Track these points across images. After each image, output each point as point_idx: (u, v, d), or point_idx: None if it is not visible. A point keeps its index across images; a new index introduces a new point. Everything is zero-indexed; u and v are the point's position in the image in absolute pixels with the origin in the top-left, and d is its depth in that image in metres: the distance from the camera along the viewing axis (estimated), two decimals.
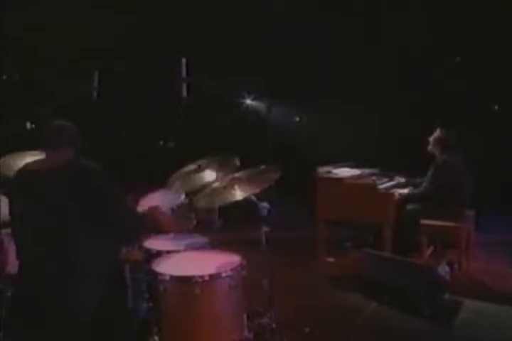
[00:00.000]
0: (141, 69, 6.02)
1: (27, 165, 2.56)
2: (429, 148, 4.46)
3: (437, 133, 4.45)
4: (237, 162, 3.48)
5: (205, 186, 3.32)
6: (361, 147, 5.93)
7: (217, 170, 3.50)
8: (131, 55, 6.16)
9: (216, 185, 3.06)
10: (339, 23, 6.26)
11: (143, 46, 6.19)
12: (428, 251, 4.37)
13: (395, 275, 3.74)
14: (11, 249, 3.09)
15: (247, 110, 6.77)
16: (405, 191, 4.49)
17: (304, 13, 6.35)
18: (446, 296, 3.76)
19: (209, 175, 3.51)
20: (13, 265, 2.93)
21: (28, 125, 6.80)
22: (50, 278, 2.32)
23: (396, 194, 4.38)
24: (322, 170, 4.75)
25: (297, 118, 7.61)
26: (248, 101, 6.71)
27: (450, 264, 4.14)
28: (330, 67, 6.43)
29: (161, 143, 7.21)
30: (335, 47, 6.32)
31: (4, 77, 6.75)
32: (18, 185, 2.48)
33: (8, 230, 3.08)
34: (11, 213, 2.52)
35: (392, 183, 4.65)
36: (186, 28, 6.21)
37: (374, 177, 4.69)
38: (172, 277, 2.65)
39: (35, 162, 2.59)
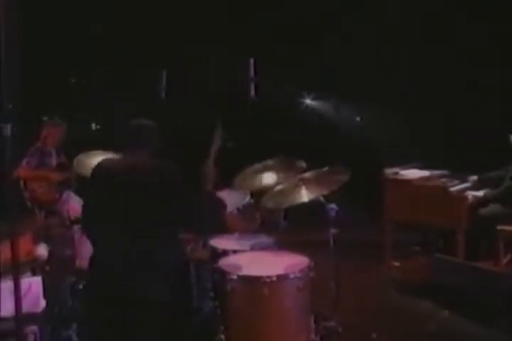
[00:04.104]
0: (207, 68, 6.13)
1: (105, 162, 2.61)
2: None
3: None
4: (303, 163, 3.45)
5: (272, 187, 3.31)
6: (428, 147, 5.72)
7: (284, 171, 3.48)
8: (197, 55, 6.28)
9: (284, 185, 3.03)
10: (396, 22, 6.09)
11: (209, 46, 6.30)
12: (505, 259, 4.13)
13: (469, 283, 3.56)
14: (82, 243, 3.22)
15: (307, 110, 6.71)
16: (480, 193, 4.27)
17: (364, 12, 6.22)
18: None
19: (275, 176, 3.50)
20: (83, 259, 3.05)
21: (93, 126, 7.09)
22: (129, 269, 2.36)
23: (469, 196, 4.17)
24: (389, 171, 4.61)
25: (358, 118, 7.45)
26: (308, 101, 6.64)
27: None
28: (393, 67, 6.26)
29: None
30: (397, 46, 6.14)
31: (73, 80, 7.07)
32: (96, 182, 2.54)
33: (79, 226, 3.22)
34: (86, 209, 2.60)
35: (464, 185, 4.43)
36: (253, 28, 6.26)
37: (444, 179, 4.50)
38: (239, 276, 2.65)
39: (112, 160, 2.64)
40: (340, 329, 3.08)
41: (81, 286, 3.02)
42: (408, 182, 4.38)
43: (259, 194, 3.35)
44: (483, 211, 4.23)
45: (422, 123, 6.13)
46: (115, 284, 2.38)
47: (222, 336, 2.80)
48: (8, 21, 1.93)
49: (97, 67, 6.56)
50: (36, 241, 3.17)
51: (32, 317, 2.46)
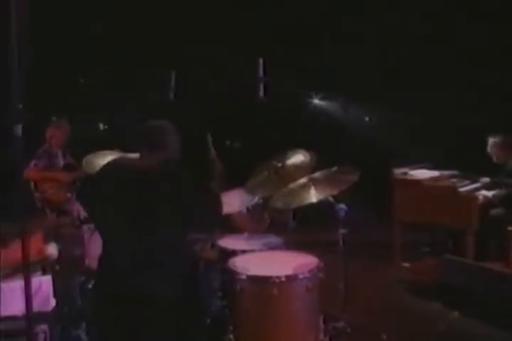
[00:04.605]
0: (215, 68, 6.13)
1: (114, 162, 2.61)
2: None
3: None
4: (313, 163, 3.44)
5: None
6: (437, 147, 5.69)
7: (293, 171, 3.47)
8: (206, 55, 6.28)
9: (292, 185, 3.02)
10: (406, 21, 6.07)
11: (218, 46, 6.30)
12: None
13: (478, 284, 3.54)
14: (91, 243, 3.23)
15: (314, 110, 6.69)
16: (490, 194, 4.24)
17: (372, 12, 6.20)
18: None
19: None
20: (93, 258, 3.05)
21: (101, 126, 7.11)
22: (137, 269, 2.37)
23: (479, 197, 4.14)
24: (398, 171, 4.59)
25: (367, 118, 7.43)
26: (316, 101, 6.62)
27: None
28: (403, 67, 6.23)
29: (228, 143, 7.28)
30: (405, 46, 6.12)
31: (82, 80, 7.10)
32: (104, 181, 2.54)
33: (89, 225, 3.23)
34: (96, 209, 2.61)
35: (474, 186, 4.40)
36: (261, 28, 6.25)
37: (454, 179, 4.48)
38: (249, 276, 2.64)
39: (122, 159, 2.64)
40: (349, 330, 3.06)
41: (90, 286, 3.03)
42: (417, 182, 4.36)
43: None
44: (493, 211, 4.21)
45: (432, 123, 6.10)
46: (124, 283, 2.38)
47: (231, 336, 2.80)
48: (20, 22, 1.94)
49: (106, 68, 6.59)
50: (46, 241, 3.18)
51: (42, 316, 2.47)
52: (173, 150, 2.53)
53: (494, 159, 4.42)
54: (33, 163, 4.58)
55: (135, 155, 2.58)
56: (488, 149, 4.43)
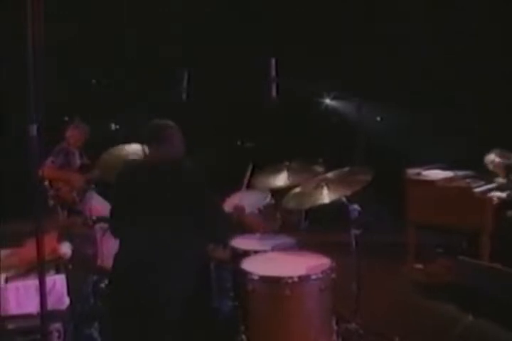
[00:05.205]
0: (227, 68, 6.14)
1: (128, 164, 2.64)
2: None
3: None
4: (321, 167, 3.44)
5: (292, 187, 3.29)
6: (451, 148, 5.63)
7: (304, 171, 3.47)
8: (218, 55, 6.29)
9: (305, 186, 3.01)
10: (423, 21, 6.02)
11: (229, 45, 6.31)
12: None
13: (493, 286, 3.49)
14: (103, 243, 3.25)
15: (326, 110, 6.66)
16: (505, 194, 4.18)
17: (388, 12, 6.16)
18: None
19: (295, 176, 3.49)
20: (105, 258, 3.07)
21: (113, 126, 7.15)
22: (152, 268, 2.38)
23: (494, 198, 4.09)
24: (411, 171, 4.55)
25: (378, 118, 7.37)
26: (328, 101, 6.59)
27: None
28: (416, 67, 6.18)
29: (239, 143, 7.27)
30: (419, 46, 6.07)
31: (93, 81, 7.14)
32: (120, 182, 2.56)
33: (101, 225, 3.25)
34: (112, 211, 2.62)
35: (489, 186, 4.34)
36: (274, 27, 6.25)
37: (468, 180, 4.41)
38: (261, 277, 2.64)
39: (136, 161, 2.67)
40: (361, 331, 3.05)
41: (103, 285, 3.04)
42: (431, 183, 4.31)
43: (281, 194, 3.34)
44: (509, 213, 4.14)
45: (446, 122, 6.04)
46: (137, 283, 2.39)
47: (243, 336, 2.80)
48: (36, 22, 1.96)
49: (118, 68, 6.63)
50: (60, 240, 3.20)
51: (56, 315, 2.49)
52: (179, 147, 2.55)
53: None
54: (50, 159, 4.62)
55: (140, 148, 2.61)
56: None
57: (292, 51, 6.14)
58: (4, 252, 2.91)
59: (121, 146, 3.50)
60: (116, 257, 2.49)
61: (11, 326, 2.45)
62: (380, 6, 6.17)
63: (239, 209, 3.04)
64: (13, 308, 2.50)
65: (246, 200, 3.30)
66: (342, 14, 6.19)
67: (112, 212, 2.58)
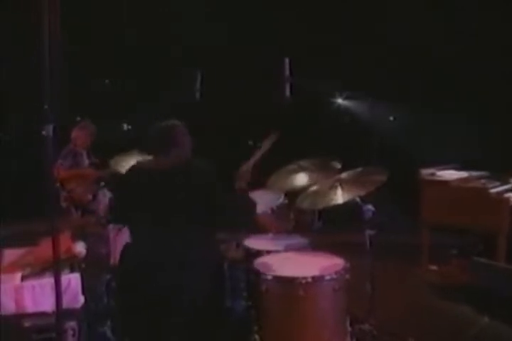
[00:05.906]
0: (241, 68, 6.14)
1: (139, 165, 2.64)
2: None
3: None
4: (338, 164, 3.41)
5: (306, 187, 3.28)
6: (466, 148, 5.57)
7: (318, 171, 3.45)
8: (231, 54, 6.30)
9: (319, 186, 3.00)
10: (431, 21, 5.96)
11: (243, 45, 6.31)
12: None
13: (509, 288, 3.44)
14: (117, 242, 3.27)
15: (339, 109, 6.63)
16: None
17: (399, 11, 6.12)
18: None
19: (309, 176, 3.47)
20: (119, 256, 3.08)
21: (125, 126, 7.19)
22: (166, 268, 2.38)
23: (511, 198, 4.03)
24: (425, 172, 4.51)
25: (391, 118, 7.32)
26: (340, 101, 6.56)
27: None
28: (432, 66, 6.13)
29: (251, 143, 7.25)
30: (431, 45, 6.01)
31: (106, 81, 7.18)
32: (131, 184, 2.57)
33: (114, 224, 3.27)
34: (122, 209, 2.64)
35: (505, 187, 4.28)
36: (288, 26, 6.23)
37: (484, 181, 4.36)
38: (274, 277, 2.63)
39: (147, 162, 2.67)
40: (375, 332, 3.02)
41: (116, 284, 3.06)
42: (445, 183, 4.27)
43: (294, 194, 3.33)
44: None
45: (460, 122, 5.98)
46: (150, 284, 2.40)
47: (257, 336, 2.79)
48: (52, 23, 1.97)
49: (131, 68, 6.66)
50: (74, 239, 3.23)
51: (71, 313, 2.51)
52: (188, 146, 2.56)
53: None
54: (59, 162, 4.65)
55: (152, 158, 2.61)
56: None
57: (306, 51, 6.13)
58: (20, 251, 2.95)
59: (134, 151, 3.54)
60: (126, 256, 2.51)
61: (27, 324, 2.48)
62: (395, 4, 6.12)
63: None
64: (29, 306, 2.52)
65: (259, 200, 3.29)
66: (357, 14, 6.16)
67: (114, 210, 2.59)
